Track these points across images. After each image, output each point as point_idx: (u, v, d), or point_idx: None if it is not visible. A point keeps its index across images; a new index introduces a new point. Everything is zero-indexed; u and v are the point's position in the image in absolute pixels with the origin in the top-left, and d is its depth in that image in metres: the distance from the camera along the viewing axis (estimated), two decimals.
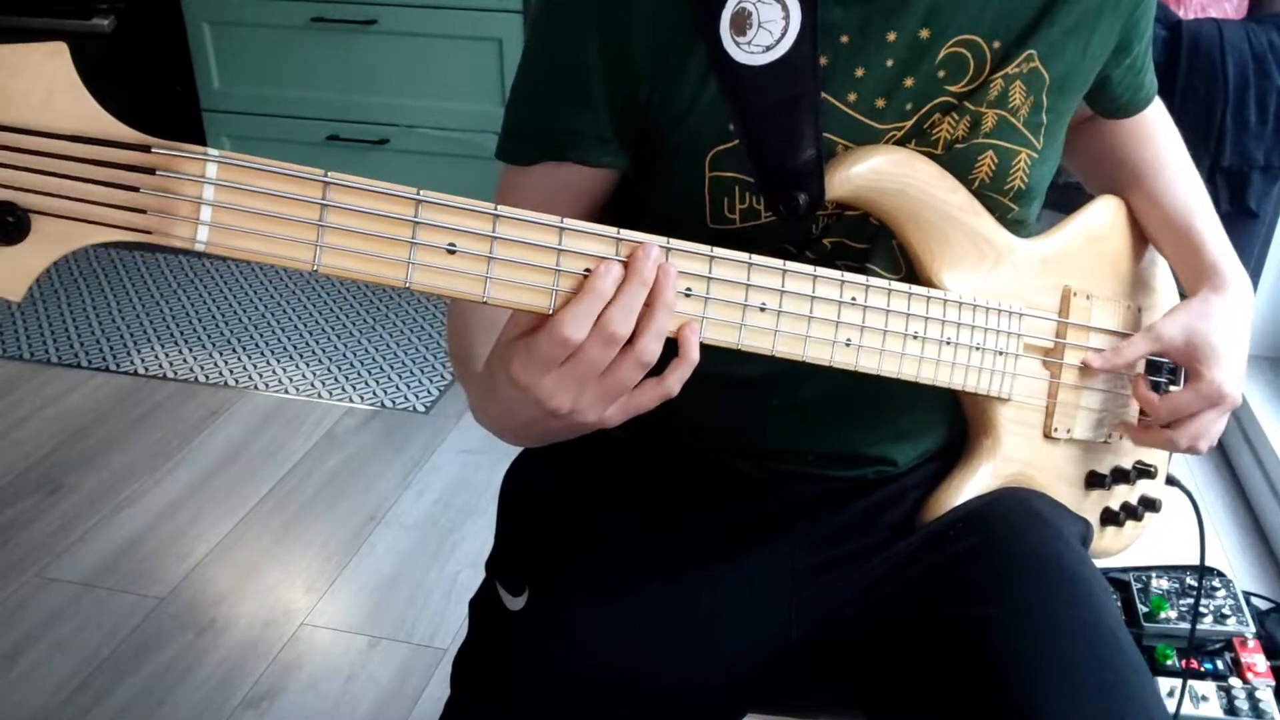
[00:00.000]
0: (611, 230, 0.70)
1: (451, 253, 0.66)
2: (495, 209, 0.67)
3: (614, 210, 0.93)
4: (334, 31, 2.80)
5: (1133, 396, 0.97)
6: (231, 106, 2.98)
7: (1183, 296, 1.00)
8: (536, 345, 0.68)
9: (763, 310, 0.75)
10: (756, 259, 0.75)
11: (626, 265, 0.69)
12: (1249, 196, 1.71)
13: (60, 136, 0.58)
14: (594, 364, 0.69)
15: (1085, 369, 0.94)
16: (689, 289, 0.73)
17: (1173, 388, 1.00)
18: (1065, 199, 1.06)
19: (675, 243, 0.72)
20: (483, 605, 0.95)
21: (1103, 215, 1.00)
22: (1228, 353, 0.91)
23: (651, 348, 0.69)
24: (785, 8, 0.81)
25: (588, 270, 0.69)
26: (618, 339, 0.68)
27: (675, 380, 0.72)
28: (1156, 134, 1.03)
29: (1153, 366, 0.98)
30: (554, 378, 0.69)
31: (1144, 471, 1.03)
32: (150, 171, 0.60)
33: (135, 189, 0.60)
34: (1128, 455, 1.03)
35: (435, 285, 0.66)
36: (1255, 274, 2.15)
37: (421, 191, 0.65)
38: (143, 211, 0.60)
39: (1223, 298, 0.94)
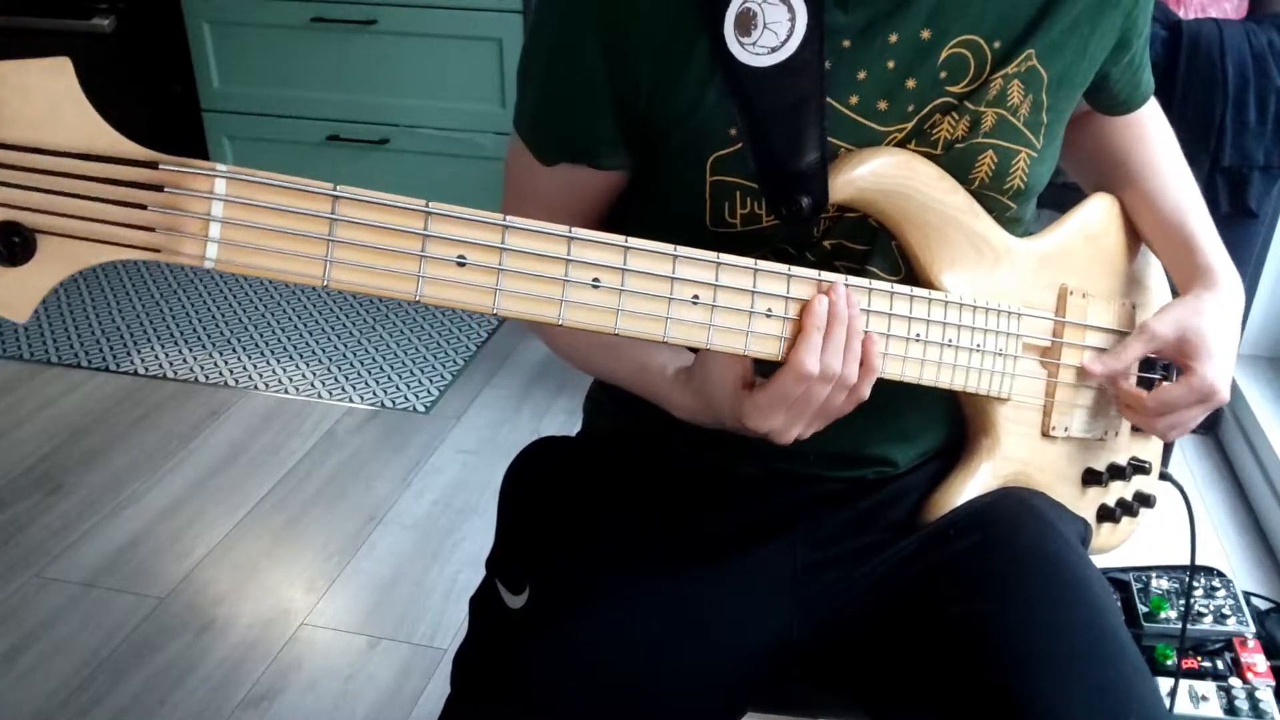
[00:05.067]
0: (619, 238, 0.70)
1: (461, 265, 0.66)
2: (504, 220, 0.67)
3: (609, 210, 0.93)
4: (334, 31, 2.80)
5: (1116, 408, 0.97)
6: (231, 106, 2.98)
7: (1175, 295, 1.00)
8: (779, 386, 0.77)
9: (769, 316, 0.75)
10: (762, 265, 0.75)
11: (830, 308, 0.76)
12: (1249, 196, 1.71)
13: (66, 154, 0.58)
14: (817, 399, 0.78)
15: (1085, 373, 0.94)
16: (695, 296, 0.73)
17: (1165, 385, 1.00)
18: (1061, 198, 1.06)
19: (683, 250, 0.72)
20: (483, 603, 0.95)
21: (1097, 214, 1.00)
22: (1218, 349, 0.92)
23: (854, 371, 0.79)
24: (791, 9, 0.80)
25: (596, 280, 0.69)
26: (833, 376, 0.77)
27: (866, 387, 0.80)
28: (1151, 134, 1.03)
29: (1143, 363, 0.99)
30: (784, 418, 0.78)
31: (1139, 468, 1.04)
32: (158, 189, 0.59)
33: (143, 206, 0.59)
34: (1123, 452, 1.04)
35: (445, 298, 0.66)
36: (1255, 274, 2.15)
37: (430, 204, 0.65)
38: (151, 230, 0.59)
39: (1214, 295, 0.94)
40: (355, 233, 0.63)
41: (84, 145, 0.58)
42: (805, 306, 0.76)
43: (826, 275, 0.78)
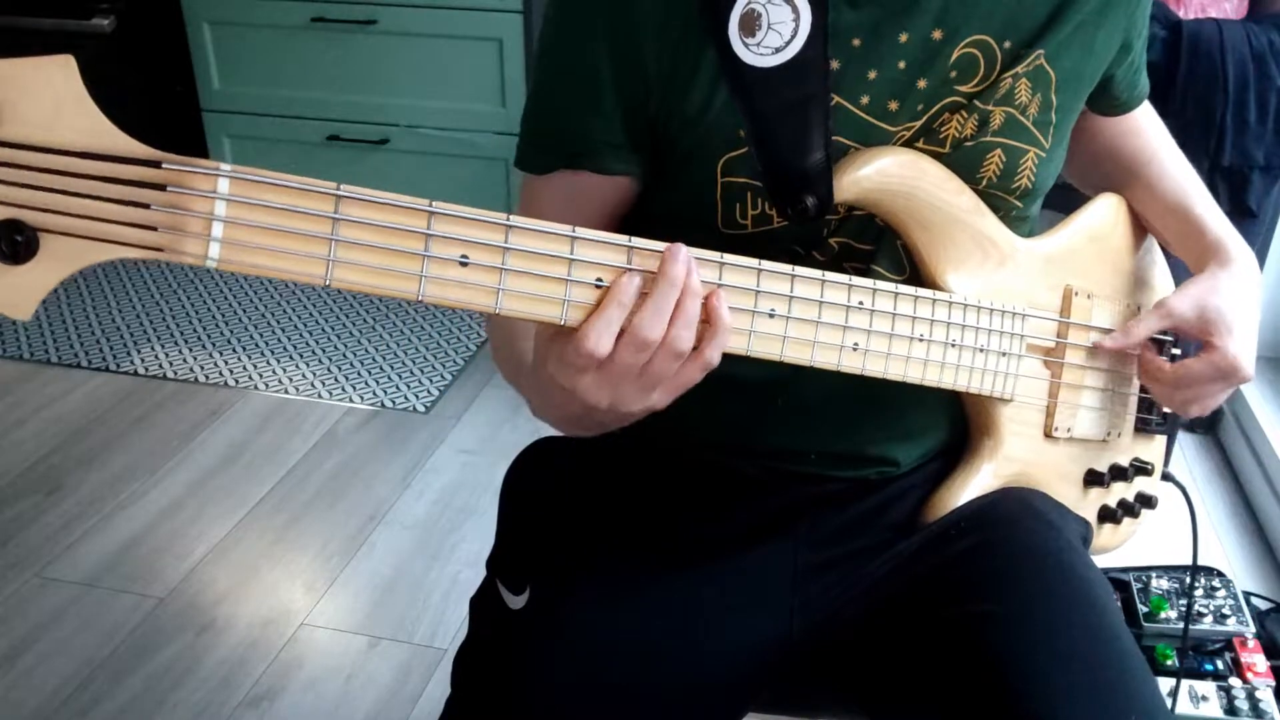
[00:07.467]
0: (623, 238, 0.70)
1: (464, 264, 0.66)
2: (508, 219, 0.67)
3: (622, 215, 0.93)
4: (334, 31, 2.80)
5: (1138, 375, 0.97)
6: (231, 106, 2.97)
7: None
8: (566, 353, 0.69)
9: (771, 316, 0.75)
10: (766, 265, 0.75)
11: (655, 271, 0.69)
12: (1249, 196, 1.71)
13: (69, 153, 0.58)
14: (629, 366, 0.69)
15: (1095, 351, 0.93)
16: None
17: (1186, 359, 1.00)
18: (1065, 199, 1.06)
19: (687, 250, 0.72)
20: (483, 603, 0.95)
21: (1103, 214, 1.00)
22: (1240, 325, 0.91)
23: (684, 336, 0.70)
24: (795, 9, 0.80)
25: (599, 280, 0.69)
26: (650, 344, 0.69)
27: (714, 351, 0.72)
28: (1143, 125, 1.03)
29: (1157, 346, 0.98)
30: (589, 379, 0.70)
31: (1141, 469, 1.04)
32: (161, 188, 0.59)
33: (146, 205, 0.59)
34: (1125, 453, 1.04)
35: (448, 298, 0.66)
36: None
37: (434, 203, 0.65)
38: (153, 229, 0.59)
39: (1230, 272, 0.94)
40: (358, 232, 0.63)
41: (87, 144, 0.58)
42: (614, 279, 0.69)
43: (831, 275, 0.77)
